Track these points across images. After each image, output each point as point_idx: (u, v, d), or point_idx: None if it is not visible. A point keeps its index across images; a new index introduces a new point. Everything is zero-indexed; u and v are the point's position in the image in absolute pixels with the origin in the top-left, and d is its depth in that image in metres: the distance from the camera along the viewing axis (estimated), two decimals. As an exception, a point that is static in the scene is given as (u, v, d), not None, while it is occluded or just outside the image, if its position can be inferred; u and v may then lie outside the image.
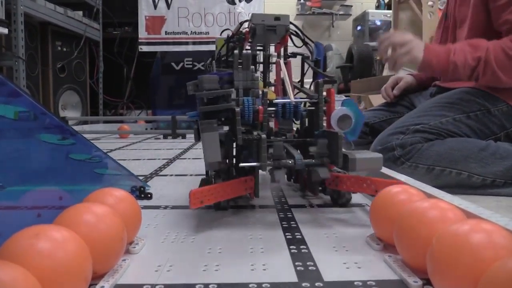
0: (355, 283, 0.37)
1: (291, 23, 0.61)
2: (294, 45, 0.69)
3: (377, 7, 3.83)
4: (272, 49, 0.72)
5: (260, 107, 0.55)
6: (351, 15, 3.93)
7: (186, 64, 2.55)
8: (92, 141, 0.74)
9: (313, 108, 0.58)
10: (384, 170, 0.63)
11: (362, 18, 3.74)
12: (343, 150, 0.53)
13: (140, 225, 0.48)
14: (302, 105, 0.60)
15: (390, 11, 3.06)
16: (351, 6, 3.96)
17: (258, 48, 0.72)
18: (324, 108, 0.57)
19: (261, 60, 0.74)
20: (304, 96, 0.62)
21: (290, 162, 0.52)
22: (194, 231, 0.52)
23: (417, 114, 0.92)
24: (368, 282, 0.37)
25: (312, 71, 0.66)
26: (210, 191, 0.53)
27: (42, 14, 2.08)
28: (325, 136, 0.55)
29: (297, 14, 3.83)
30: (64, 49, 2.44)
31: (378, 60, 3.39)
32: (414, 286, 0.36)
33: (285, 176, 0.56)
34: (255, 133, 0.55)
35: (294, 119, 0.60)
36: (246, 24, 0.65)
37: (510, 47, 0.84)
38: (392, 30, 0.96)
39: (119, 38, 2.85)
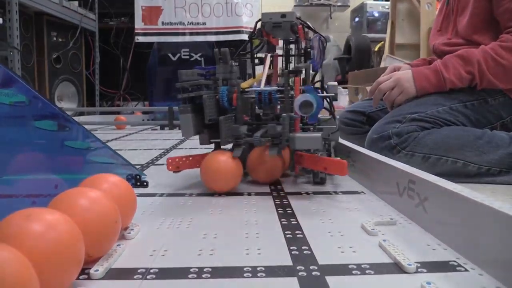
0: (350, 266, 0.37)
1: (299, 18, 0.67)
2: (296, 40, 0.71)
3: (375, -2, 3.82)
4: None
5: (234, 94, 0.64)
6: (349, 6, 3.91)
7: (183, 55, 2.54)
8: (87, 129, 0.74)
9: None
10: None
11: (360, 10, 3.72)
12: (297, 132, 0.61)
13: (135, 211, 0.47)
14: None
15: (388, 2, 3.04)
16: (349, -3, 3.94)
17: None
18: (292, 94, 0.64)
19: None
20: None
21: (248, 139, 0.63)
22: (190, 217, 0.52)
23: (414, 103, 0.92)
24: (363, 266, 0.37)
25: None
26: (185, 159, 0.68)
27: (37, 3, 2.06)
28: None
29: (294, 6, 3.81)
30: (60, 40, 2.42)
31: (375, 51, 3.39)
32: (408, 269, 0.36)
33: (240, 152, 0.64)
34: (221, 117, 0.63)
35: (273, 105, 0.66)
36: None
37: (499, 54, 0.85)
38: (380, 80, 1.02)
39: (115, 28, 2.84)
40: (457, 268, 0.37)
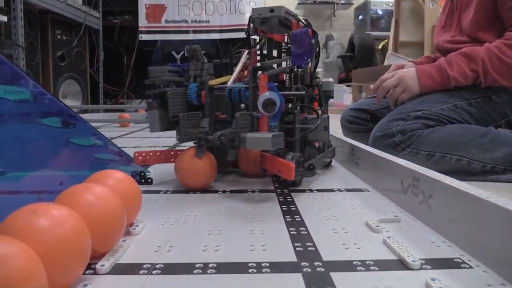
0: (354, 262, 0.37)
1: (288, 12, 0.63)
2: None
3: (379, -4, 3.80)
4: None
5: (203, 91, 0.66)
6: (352, 4, 3.90)
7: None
8: (92, 126, 0.74)
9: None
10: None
11: (364, 7, 3.71)
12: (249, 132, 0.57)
13: (140, 207, 0.48)
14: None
15: (392, 0, 3.03)
16: (353, -5, 3.92)
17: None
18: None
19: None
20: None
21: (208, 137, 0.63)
22: (194, 214, 0.53)
23: (418, 101, 0.92)
24: (367, 262, 0.37)
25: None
26: (152, 154, 0.70)
27: (41, 1, 2.06)
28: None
29: (298, 3, 3.80)
30: (64, 38, 2.43)
31: (379, 49, 3.38)
32: (412, 265, 0.36)
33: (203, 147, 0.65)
34: (181, 114, 0.65)
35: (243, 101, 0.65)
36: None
37: (503, 52, 0.84)
38: (385, 77, 1.01)
39: (119, 26, 2.84)
40: (462, 265, 0.37)
